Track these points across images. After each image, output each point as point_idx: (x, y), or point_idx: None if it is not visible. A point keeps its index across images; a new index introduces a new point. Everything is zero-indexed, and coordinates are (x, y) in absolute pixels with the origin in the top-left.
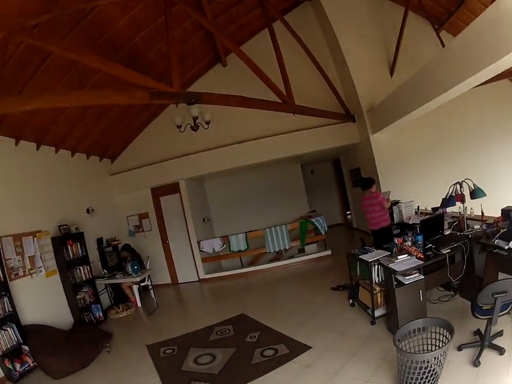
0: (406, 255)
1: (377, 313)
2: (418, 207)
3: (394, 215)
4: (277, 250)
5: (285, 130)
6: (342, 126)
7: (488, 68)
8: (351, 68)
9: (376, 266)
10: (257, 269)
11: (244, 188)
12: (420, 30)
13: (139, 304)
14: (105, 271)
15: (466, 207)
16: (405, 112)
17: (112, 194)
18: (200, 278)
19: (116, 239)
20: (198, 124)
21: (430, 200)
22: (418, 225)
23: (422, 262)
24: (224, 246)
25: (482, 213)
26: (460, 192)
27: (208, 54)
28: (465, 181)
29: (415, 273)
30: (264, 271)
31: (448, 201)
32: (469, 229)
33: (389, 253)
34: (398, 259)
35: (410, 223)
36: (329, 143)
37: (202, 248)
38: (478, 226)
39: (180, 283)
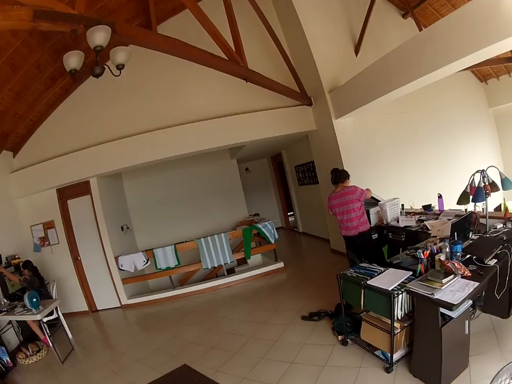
0: (452, 276)
1: (396, 355)
2: (403, 206)
3: (371, 216)
4: (216, 266)
5: (223, 113)
6: (295, 110)
7: (471, 55)
8: (310, 41)
9: (401, 295)
10: (194, 289)
11: (172, 188)
12: (386, 14)
13: (50, 343)
14: (5, 301)
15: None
16: (376, 96)
17: (12, 198)
18: (123, 303)
19: (16, 256)
20: (105, 66)
21: (403, 198)
22: (418, 229)
23: (477, 283)
24: (149, 263)
25: (507, 208)
26: (485, 183)
27: (138, 17)
28: (490, 168)
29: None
30: (203, 291)
31: (477, 194)
32: (493, 230)
33: (410, 272)
34: (442, 283)
35: (402, 225)
36: (279, 130)
37: (121, 266)
38: (501, 225)
39: (100, 310)
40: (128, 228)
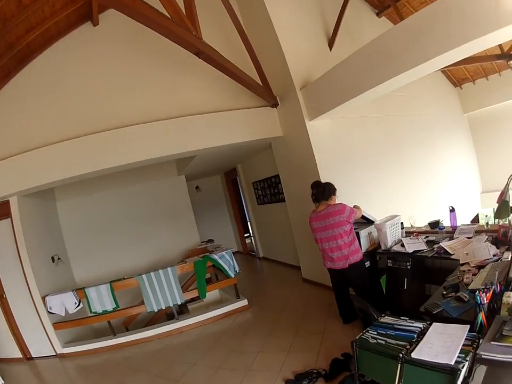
0: None
1: None
2: (402, 224)
3: (361, 240)
4: (164, 308)
5: (168, 115)
6: (258, 112)
7: (456, 49)
8: (278, 28)
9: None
10: (139, 337)
11: (113, 209)
12: (361, 11)
13: None
14: None
15: None
16: (358, 92)
17: None
18: (58, 352)
19: None
20: None
21: (391, 213)
22: (433, 254)
23: None
24: (81, 305)
25: None
26: None
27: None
28: None
29: None
30: (150, 339)
31: None
32: None
33: (467, 327)
34: None
35: (410, 250)
36: (239, 135)
37: (50, 309)
38: None
39: (35, 358)
40: (59, 258)
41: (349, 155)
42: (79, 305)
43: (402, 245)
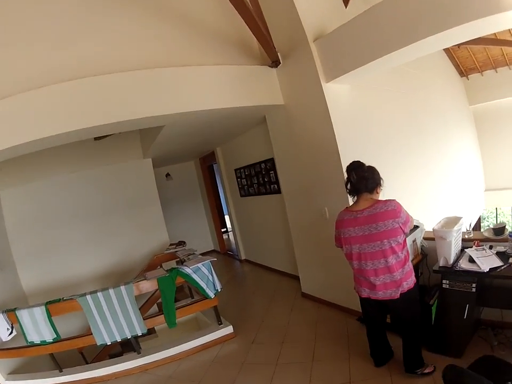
0: None
1: None
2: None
3: None
4: (120, 340)
5: (129, 67)
6: (250, 71)
7: None
8: None
9: None
10: (90, 375)
11: (67, 200)
12: None
13: None
14: None
15: None
16: (387, 50)
17: None
18: None
19: None
20: None
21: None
22: None
23: None
24: (14, 332)
25: None
26: None
27: None
28: None
29: None
30: (104, 378)
31: None
32: None
33: None
34: None
35: (485, 269)
36: (223, 99)
37: None
38: None
39: None
40: None
41: (372, 134)
42: (12, 332)
43: (471, 260)
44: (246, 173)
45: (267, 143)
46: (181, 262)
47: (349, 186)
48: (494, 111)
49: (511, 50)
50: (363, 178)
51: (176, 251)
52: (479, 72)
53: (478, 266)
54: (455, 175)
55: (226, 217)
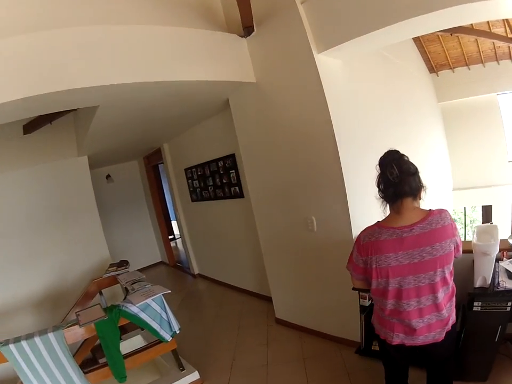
0: None
1: None
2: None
3: None
4: None
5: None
6: (212, 38)
7: None
8: None
9: None
10: None
11: None
12: None
13: None
14: None
15: None
16: (390, 19)
17: None
18: None
19: None
20: None
21: None
22: None
23: None
24: None
25: None
26: None
27: None
28: None
29: None
30: None
31: None
32: None
33: None
34: None
35: None
36: (172, 70)
37: None
38: None
39: None
40: None
41: (363, 121)
42: None
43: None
44: (199, 173)
45: (227, 136)
46: (126, 291)
47: (382, 187)
48: (462, 109)
49: (487, 47)
50: (409, 175)
51: (118, 274)
52: (451, 68)
53: None
54: (427, 173)
55: (174, 223)
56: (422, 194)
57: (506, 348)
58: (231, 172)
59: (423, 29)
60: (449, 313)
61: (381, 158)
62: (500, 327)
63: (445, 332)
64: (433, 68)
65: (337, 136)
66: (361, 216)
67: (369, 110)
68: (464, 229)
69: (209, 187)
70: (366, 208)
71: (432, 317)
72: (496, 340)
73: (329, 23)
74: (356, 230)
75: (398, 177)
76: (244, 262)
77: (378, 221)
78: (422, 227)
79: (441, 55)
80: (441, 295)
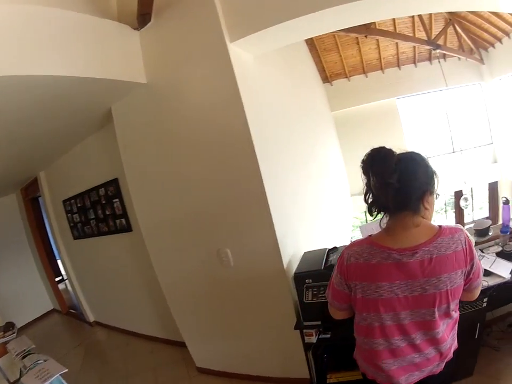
0: None
1: None
2: None
3: None
4: None
5: None
6: (92, 25)
7: None
8: None
9: None
10: None
11: None
12: None
13: None
14: None
15: None
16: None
17: None
18: None
19: None
20: None
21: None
22: None
23: None
24: None
25: None
26: None
27: None
28: None
29: None
30: None
31: None
32: None
33: None
34: None
35: (506, 276)
36: (51, 62)
37: None
38: None
39: None
40: None
41: (281, 129)
42: None
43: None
44: (79, 205)
45: (110, 156)
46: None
47: (371, 198)
48: (358, 116)
49: (388, 54)
50: (409, 182)
51: (5, 341)
52: (347, 77)
53: (499, 275)
54: (329, 181)
55: (60, 261)
56: (429, 199)
57: (489, 338)
58: (114, 201)
59: (336, 23)
60: (451, 344)
61: (365, 158)
62: (479, 324)
63: (444, 363)
64: (327, 78)
65: (257, 146)
66: (292, 239)
67: (281, 116)
68: None
69: (91, 221)
70: (296, 230)
71: (430, 351)
72: (476, 336)
73: (245, 7)
74: (287, 258)
75: (395, 184)
76: (144, 305)
77: (370, 235)
78: (428, 251)
79: (338, 64)
80: (442, 328)
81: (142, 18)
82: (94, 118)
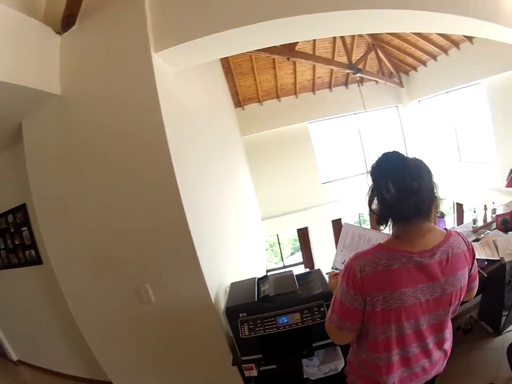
0: None
1: None
2: None
3: None
4: None
5: None
6: (12, 19)
7: None
8: None
9: None
10: None
11: None
12: None
13: None
14: None
15: None
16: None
17: None
18: None
19: None
20: None
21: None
22: None
23: None
24: None
25: None
26: None
27: None
28: None
29: None
30: None
31: None
32: None
33: None
34: None
35: None
36: None
37: None
38: None
39: None
40: None
41: (198, 151)
42: None
43: None
44: None
45: (19, 179)
46: None
47: (382, 207)
48: (263, 142)
49: (304, 79)
50: (425, 185)
51: None
52: (259, 102)
53: None
54: (244, 207)
55: None
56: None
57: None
58: (23, 229)
59: (259, 41)
60: (451, 340)
61: (377, 163)
62: None
63: (446, 361)
64: (239, 102)
65: (177, 171)
66: (217, 270)
67: (200, 138)
68: (281, 254)
69: (1, 251)
70: (221, 261)
71: (438, 353)
72: None
73: (174, 17)
74: (214, 291)
75: (410, 191)
76: (66, 344)
77: (380, 243)
78: (445, 251)
79: (252, 88)
80: (449, 328)
81: (67, 21)
82: (1, 134)
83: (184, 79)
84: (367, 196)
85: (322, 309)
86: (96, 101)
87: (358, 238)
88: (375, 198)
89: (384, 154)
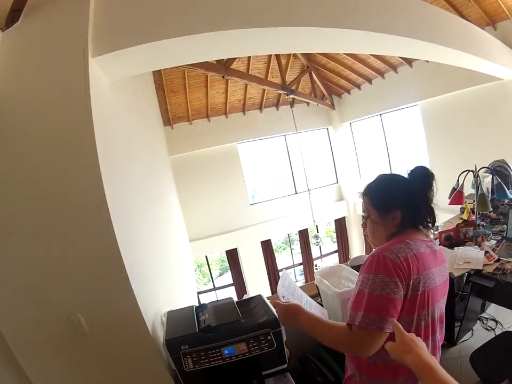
0: None
1: None
2: None
3: None
4: None
5: None
6: None
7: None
8: None
9: None
10: None
11: None
12: None
13: None
14: None
15: None
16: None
17: None
18: None
19: None
20: None
21: None
22: None
23: None
24: None
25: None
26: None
27: None
28: None
29: None
30: None
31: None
32: None
33: None
34: None
35: None
36: None
37: None
38: None
39: None
40: None
41: (130, 172)
42: None
43: None
44: None
45: None
46: None
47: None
48: (192, 162)
49: (234, 99)
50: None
51: None
52: (189, 121)
53: None
54: (174, 230)
55: None
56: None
57: None
58: None
59: (195, 54)
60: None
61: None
62: None
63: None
64: (169, 121)
65: (108, 192)
66: (153, 299)
67: (133, 157)
68: (211, 276)
69: None
70: (155, 288)
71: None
72: None
73: (117, 20)
74: (151, 321)
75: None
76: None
77: (396, 238)
78: (435, 245)
79: (182, 106)
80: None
81: (11, 16)
82: None
83: (117, 91)
84: (382, 205)
85: (269, 337)
86: (28, 102)
87: (293, 289)
88: (395, 206)
89: (415, 168)
